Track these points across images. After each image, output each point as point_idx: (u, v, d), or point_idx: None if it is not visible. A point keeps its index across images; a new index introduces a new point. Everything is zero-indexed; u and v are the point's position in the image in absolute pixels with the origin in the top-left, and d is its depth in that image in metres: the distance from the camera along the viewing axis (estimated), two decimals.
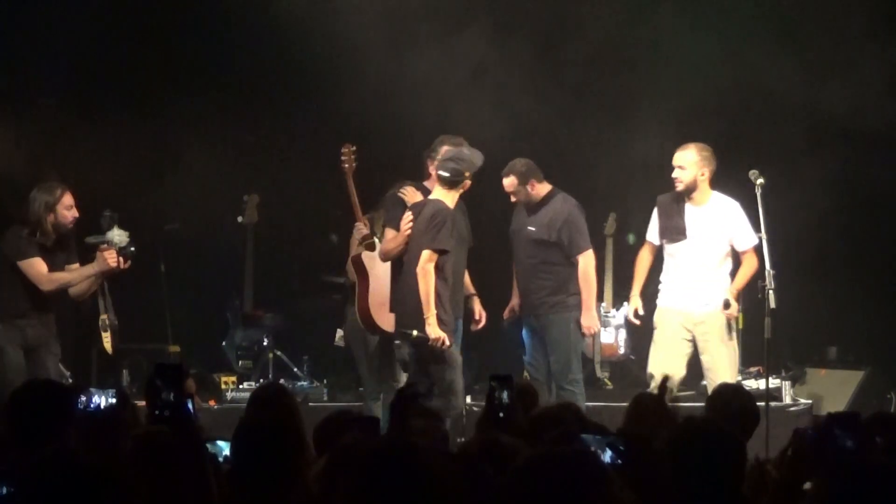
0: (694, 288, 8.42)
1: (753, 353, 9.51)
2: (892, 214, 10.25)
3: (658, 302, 8.60)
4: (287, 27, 10.44)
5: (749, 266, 8.41)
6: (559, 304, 8.64)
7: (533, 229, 8.76)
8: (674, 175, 8.33)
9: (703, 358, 8.42)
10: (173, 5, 10.68)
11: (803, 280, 9.77)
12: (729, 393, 5.88)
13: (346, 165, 8.76)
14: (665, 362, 8.21)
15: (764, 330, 8.15)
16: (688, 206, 8.39)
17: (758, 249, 8.33)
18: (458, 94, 10.57)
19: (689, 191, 8.33)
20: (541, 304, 8.69)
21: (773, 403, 8.82)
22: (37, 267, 8.13)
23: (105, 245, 8.20)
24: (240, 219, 10.53)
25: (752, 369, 9.85)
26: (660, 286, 8.63)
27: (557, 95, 10.20)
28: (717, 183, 8.52)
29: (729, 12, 10.04)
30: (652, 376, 8.27)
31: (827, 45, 9.83)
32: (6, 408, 4.95)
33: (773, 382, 9.27)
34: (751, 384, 9.65)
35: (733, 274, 8.49)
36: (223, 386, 9.78)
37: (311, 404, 9.42)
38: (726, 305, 8.35)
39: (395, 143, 10.71)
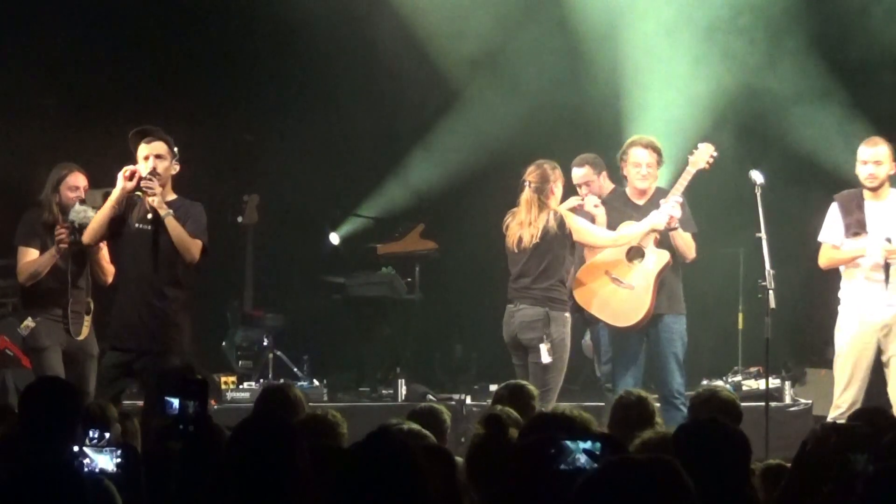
0: (876, 289, 7.92)
1: (753, 353, 9.51)
2: None
3: (841, 310, 8.16)
4: (288, 28, 10.46)
5: None
6: None
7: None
8: (869, 171, 7.86)
9: (883, 359, 7.97)
10: (173, 6, 10.68)
11: (804, 280, 9.77)
12: (706, 392, 5.90)
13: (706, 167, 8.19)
14: (851, 382, 7.94)
15: (764, 330, 8.12)
16: (867, 202, 7.96)
17: None
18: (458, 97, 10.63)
19: (878, 186, 7.89)
20: None
21: (773, 403, 8.82)
22: (23, 256, 7.78)
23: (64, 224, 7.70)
24: (240, 219, 10.54)
25: (752, 369, 9.85)
26: (840, 294, 8.14)
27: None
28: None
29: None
30: (841, 404, 7.93)
31: None
32: (18, 404, 4.96)
33: (773, 382, 9.27)
34: (751, 384, 9.67)
35: None
36: (223, 386, 9.76)
37: (311, 404, 9.40)
38: None
39: (398, 143, 10.75)
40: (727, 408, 5.63)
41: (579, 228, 7.99)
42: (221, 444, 4.19)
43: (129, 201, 7.28)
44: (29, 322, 7.77)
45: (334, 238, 11.10)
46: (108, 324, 7.54)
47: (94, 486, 3.54)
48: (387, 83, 10.69)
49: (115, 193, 7.23)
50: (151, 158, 7.21)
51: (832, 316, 10.55)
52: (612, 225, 8.15)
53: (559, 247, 7.94)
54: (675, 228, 8.01)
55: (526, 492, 3.56)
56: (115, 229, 7.29)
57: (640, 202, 8.24)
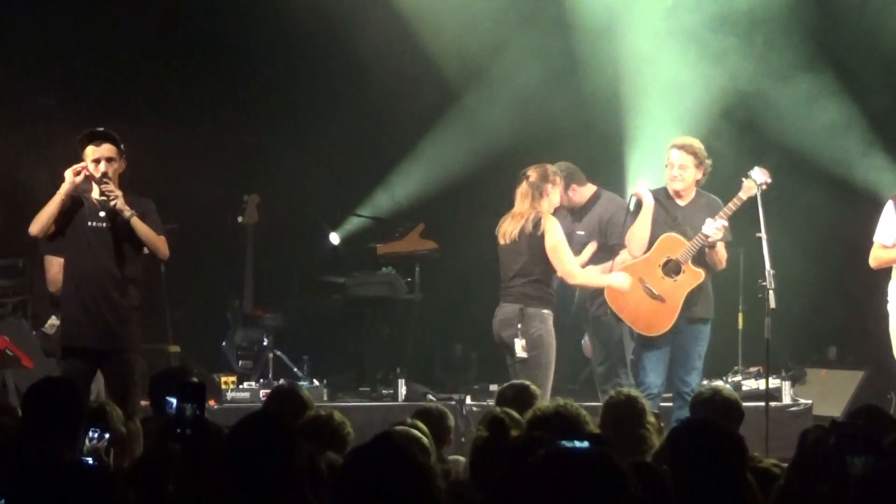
0: None
1: (753, 353, 9.51)
2: None
3: (892, 310, 8.01)
4: (288, 28, 10.46)
5: None
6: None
7: (582, 233, 8.71)
8: None
9: None
10: (173, 7, 10.68)
11: (803, 280, 9.78)
12: (708, 391, 5.89)
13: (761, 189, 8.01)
14: None
15: (764, 330, 8.12)
16: None
17: None
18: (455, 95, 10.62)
19: None
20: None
21: (773, 403, 8.82)
22: (51, 267, 7.92)
23: None
24: (240, 219, 10.54)
25: (752, 369, 9.84)
26: (890, 293, 8.04)
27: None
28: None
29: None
30: None
31: None
32: (22, 403, 4.97)
33: (773, 382, 9.27)
34: (751, 384, 9.66)
35: None
36: (223, 386, 9.74)
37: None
38: None
39: (398, 142, 10.73)
40: (728, 407, 5.64)
41: (555, 245, 7.91)
42: (221, 445, 4.20)
43: (77, 200, 7.29)
44: (54, 321, 7.85)
45: (334, 238, 11.10)
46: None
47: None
48: (386, 84, 10.69)
49: (64, 187, 7.23)
50: (102, 162, 7.22)
51: (832, 316, 10.61)
52: (655, 217, 8.20)
53: (533, 247, 7.92)
54: (713, 246, 8.08)
55: (524, 492, 3.56)
56: (62, 224, 7.28)
57: (682, 203, 8.29)
